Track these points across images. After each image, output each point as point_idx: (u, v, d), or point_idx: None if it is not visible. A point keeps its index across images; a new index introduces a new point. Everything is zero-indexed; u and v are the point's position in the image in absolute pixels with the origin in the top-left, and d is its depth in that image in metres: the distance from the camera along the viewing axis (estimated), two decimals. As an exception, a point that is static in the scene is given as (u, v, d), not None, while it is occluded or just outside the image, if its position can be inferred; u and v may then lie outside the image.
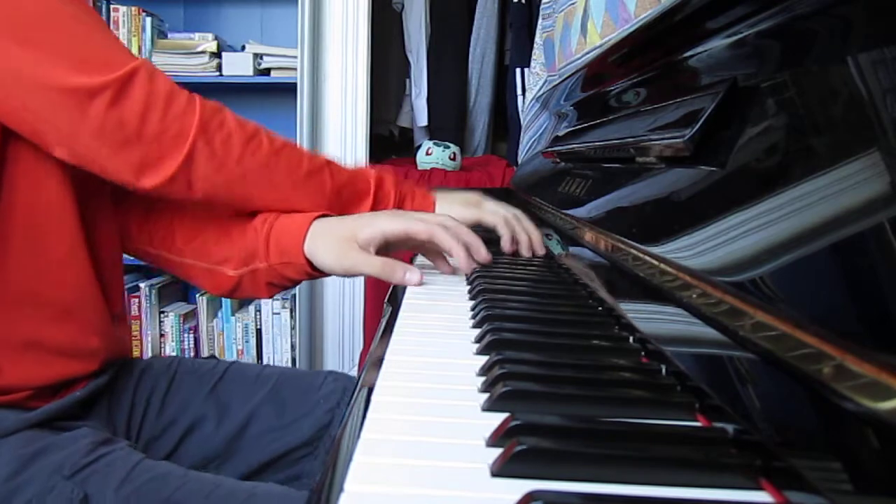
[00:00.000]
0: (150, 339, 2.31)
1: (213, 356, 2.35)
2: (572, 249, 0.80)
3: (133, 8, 2.33)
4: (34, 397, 0.71)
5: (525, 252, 0.89)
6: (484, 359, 0.49)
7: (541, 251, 0.90)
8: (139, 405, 0.84)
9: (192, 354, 2.36)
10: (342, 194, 0.81)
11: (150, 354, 2.30)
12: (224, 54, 2.30)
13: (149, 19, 2.34)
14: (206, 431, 0.84)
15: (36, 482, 0.64)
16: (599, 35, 1.19)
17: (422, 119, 2.60)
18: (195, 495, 0.65)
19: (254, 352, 2.34)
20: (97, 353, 0.77)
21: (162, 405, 0.85)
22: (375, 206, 0.83)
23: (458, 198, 0.90)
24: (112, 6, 2.32)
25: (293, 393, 0.87)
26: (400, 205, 0.85)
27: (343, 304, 2.29)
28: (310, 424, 0.84)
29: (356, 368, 2.22)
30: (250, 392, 0.86)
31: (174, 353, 2.35)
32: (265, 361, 2.34)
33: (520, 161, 1.70)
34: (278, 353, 2.33)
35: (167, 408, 0.85)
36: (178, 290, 2.50)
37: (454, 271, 0.81)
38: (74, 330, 0.74)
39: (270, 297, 0.84)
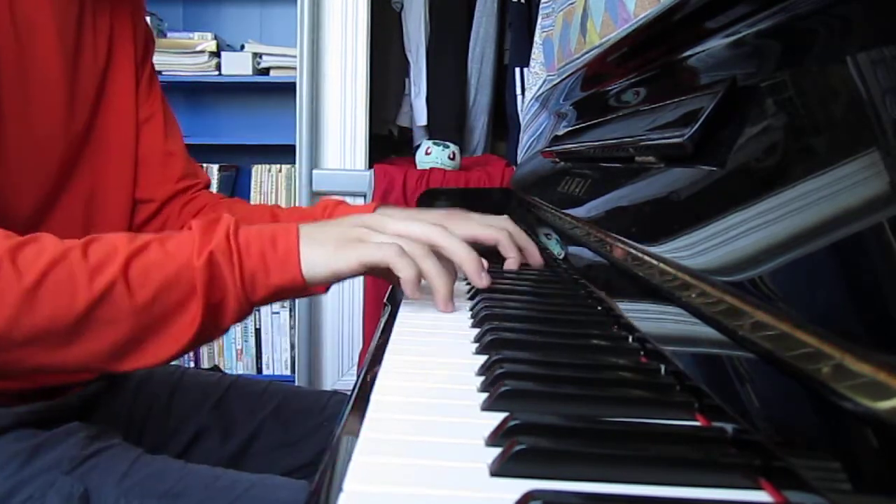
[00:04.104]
0: (149, 338, 2.30)
1: (215, 367, 2.34)
2: (572, 249, 0.79)
3: (132, 7, 2.32)
4: (22, 400, 0.70)
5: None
6: (483, 358, 0.49)
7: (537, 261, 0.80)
8: (140, 414, 0.83)
9: (190, 354, 2.36)
10: (151, 311, 0.55)
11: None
12: (223, 53, 2.30)
13: (148, 18, 2.34)
14: (209, 444, 0.84)
15: (35, 479, 0.63)
16: (599, 35, 1.19)
17: (421, 119, 2.60)
18: (196, 486, 0.65)
19: (253, 351, 2.34)
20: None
21: (164, 415, 0.84)
22: (207, 315, 0.56)
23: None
24: (111, 5, 2.32)
25: (298, 412, 0.86)
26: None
27: (342, 303, 2.28)
28: (314, 445, 0.84)
29: (355, 368, 2.22)
30: (255, 408, 0.86)
31: (173, 353, 2.34)
32: (264, 361, 2.34)
33: (519, 160, 1.70)
34: (277, 352, 2.33)
35: (170, 418, 0.84)
36: (177, 290, 2.49)
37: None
38: None
39: None
